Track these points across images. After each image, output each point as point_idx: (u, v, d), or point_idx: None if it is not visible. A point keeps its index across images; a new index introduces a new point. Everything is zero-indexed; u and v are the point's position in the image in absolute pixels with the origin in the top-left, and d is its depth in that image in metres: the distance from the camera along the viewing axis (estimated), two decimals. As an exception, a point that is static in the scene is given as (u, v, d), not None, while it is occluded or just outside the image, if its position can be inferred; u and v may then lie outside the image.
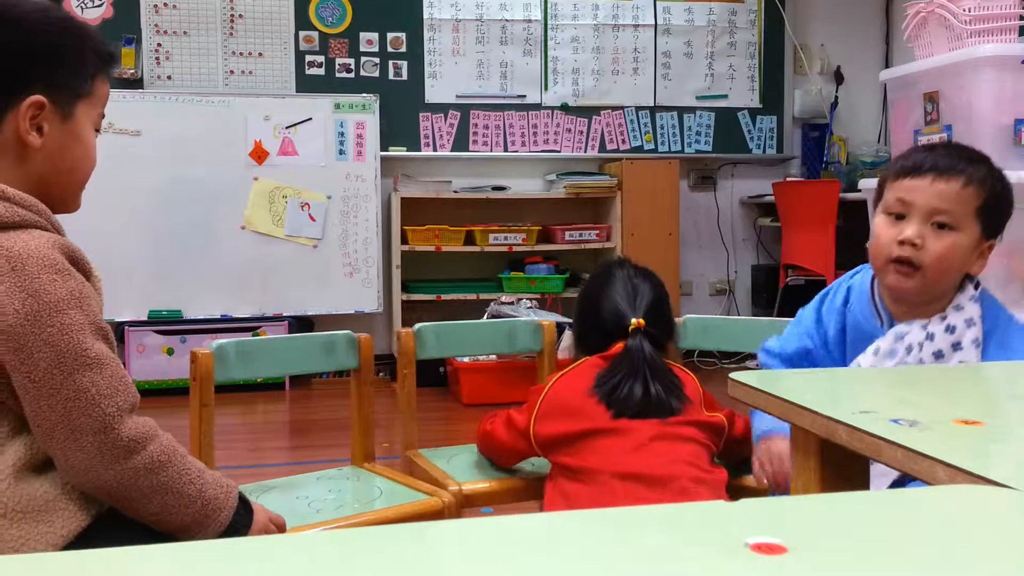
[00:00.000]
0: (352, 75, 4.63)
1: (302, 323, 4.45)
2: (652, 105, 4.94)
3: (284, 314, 4.40)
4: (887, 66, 4.86)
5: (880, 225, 1.43)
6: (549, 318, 2.13)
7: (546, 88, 4.84)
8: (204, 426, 1.57)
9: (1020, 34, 2.99)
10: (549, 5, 4.82)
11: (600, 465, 1.50)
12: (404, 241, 4.49)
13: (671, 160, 4.70)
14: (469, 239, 4.55)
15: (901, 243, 1.38)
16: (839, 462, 0.96)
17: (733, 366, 4.69)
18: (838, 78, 5.15)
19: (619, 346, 1.61)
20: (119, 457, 1.02)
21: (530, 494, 1.70)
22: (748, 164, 5.11)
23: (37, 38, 1.10)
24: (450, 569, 0.48)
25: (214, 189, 4.33)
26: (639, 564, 0.49)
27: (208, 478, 1.10)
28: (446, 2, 4.71)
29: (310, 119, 4.44)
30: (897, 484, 1.22)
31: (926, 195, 1.36)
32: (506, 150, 4.81)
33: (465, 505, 1.64)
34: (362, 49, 4.65)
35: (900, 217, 1.39)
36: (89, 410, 1.00)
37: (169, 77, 4.48)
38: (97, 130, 1.18)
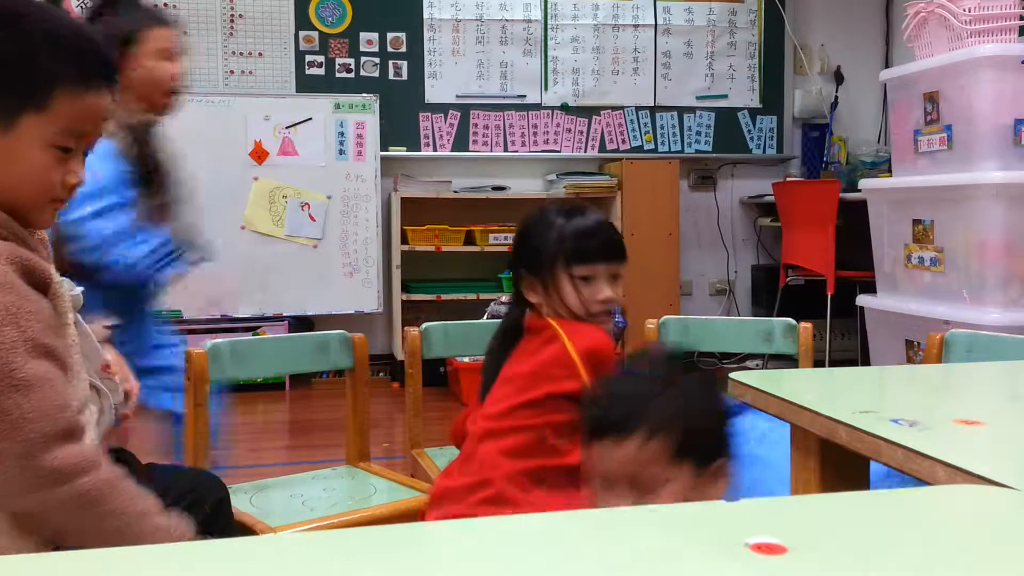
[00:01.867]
0: (352, 75, 4.63)
1: (302, 323, 4.45)
2: (652, 105, 4.94)
3: (284, 314, 4.40)
4: (887, 66, 4.86)
5: None
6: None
7: (546, 88, 4.84)
8: (199, 426, 1.57)
9: (1020, 34, 2.99)
10: (549, 5, 4.82)
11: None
12: (404, 241, 4.49)
13: (671, 160, 4.70)
14: (469, 239, 4.55)
15: None
16: (839, 462, 0.96)
17: (733, 366, 4.69)
18: (838, 78, 5.15)
19: None
20: (41, 486, 0.95)
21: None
22: (748, 164, 5.11)
23: None
24: (450, 569, 0.48)
25: (214, 189, 4.32)
26: (639, 564, 0.49)
27: (154, 523, 1.02)
28: (446, 2, 4.71)
29: (310, 119, 4.44)
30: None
31: (609, 463, 1.14)
32: (506, 150, 4.81)
33: None
34: (362, 49, 4.65)
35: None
36: (11, 434, 0.94)
37: (169, 77, 4.48)
38: (65, 148, 1.06)
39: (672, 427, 1.07)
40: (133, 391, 1.30)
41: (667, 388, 1.10)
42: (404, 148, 4.68)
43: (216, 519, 1.30)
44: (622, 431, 1.08)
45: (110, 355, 1.30)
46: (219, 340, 1.66)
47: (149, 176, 2.04)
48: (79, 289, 1.18)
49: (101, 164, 1.88)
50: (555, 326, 1.45)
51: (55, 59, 1.04)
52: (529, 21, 4.80)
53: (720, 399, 1.15)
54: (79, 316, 1.18)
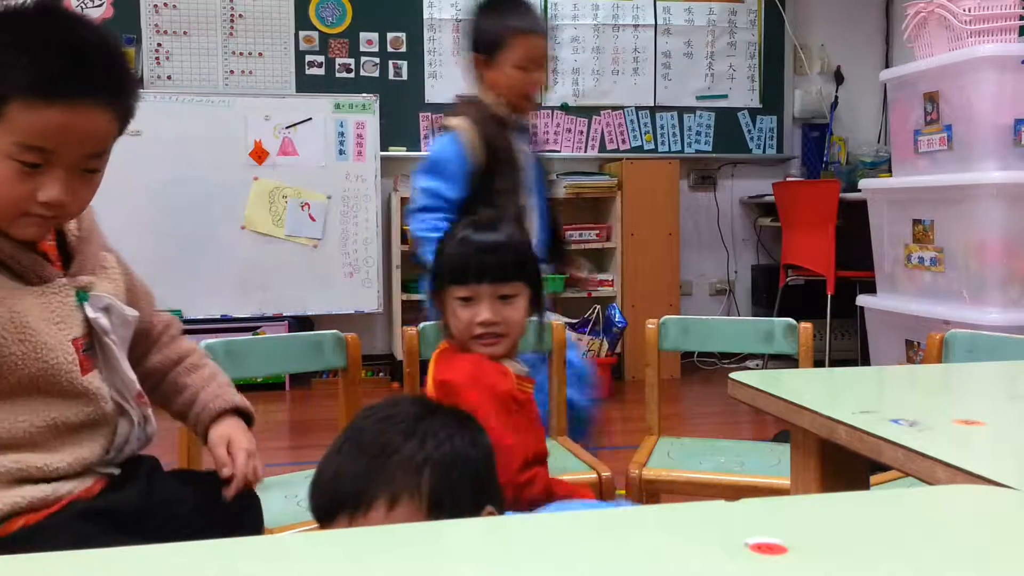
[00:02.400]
0: (352, 75, 4.63)
1: (302, 323, 4.45)
2: (652, 105, 4.94)
3: (284, 314, 4.40)
4: (887, 66, 4.86)
5: None
6: (550, 318, 2.13)
7: (546, 88, 4.84)
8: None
9: (1020, 34, 2.99)
10: (549, 5, 4.81)
11: None
12: (404, 241, 4.48)
13: (671, 160, 4.70)
14: (469, 239, 4.54)
15: None
16: (839, 462, 0.96)
17: (733, 366, 4.69)
18: (838, 78, 5.15)
19: None
20: None
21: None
22: (748, 164, 5.11)
23: None
24: (450, 569, 0.48)
25: (214, 189, 4.33)
26: (639, 564, 0.49)
27: None
28: (446, 2, 4.71)
29: (310, 119, 4.44)
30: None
31: None
32: (506, 150, 4.80)
33: None
34: (362, 49, 4.65)
35: None
36: None
37: (169, 77, 4.48)
38: (34, 164, 1.04)
39: (418, 484, 0.91)
40: (236, 473, 1.23)
41: (407, 440, 0.93)
42: (404, 148, 4.68)
43: (246, 516, 1.29)
44: (358, 505, 0.90)
45: (239, 441, 1.25)
46: (214, 340, 1.66)
47: (490, 170, 2.10)
48: (98, 313, 1.18)
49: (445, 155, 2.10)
50: (434, 355, 1.45)
51: (11, 67, 1.00)
52: (529, 21, 4.79)
53: (475, 439, 0.98)
54: (111, 339, 1.18)
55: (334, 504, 0.92)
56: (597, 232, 4.64)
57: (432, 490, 0.91)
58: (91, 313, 1.17)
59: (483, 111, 2.14)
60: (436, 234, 2.01)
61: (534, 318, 1.51)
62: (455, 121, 2.15)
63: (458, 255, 1.42)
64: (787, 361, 2.40)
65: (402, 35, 4.68)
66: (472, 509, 0.93)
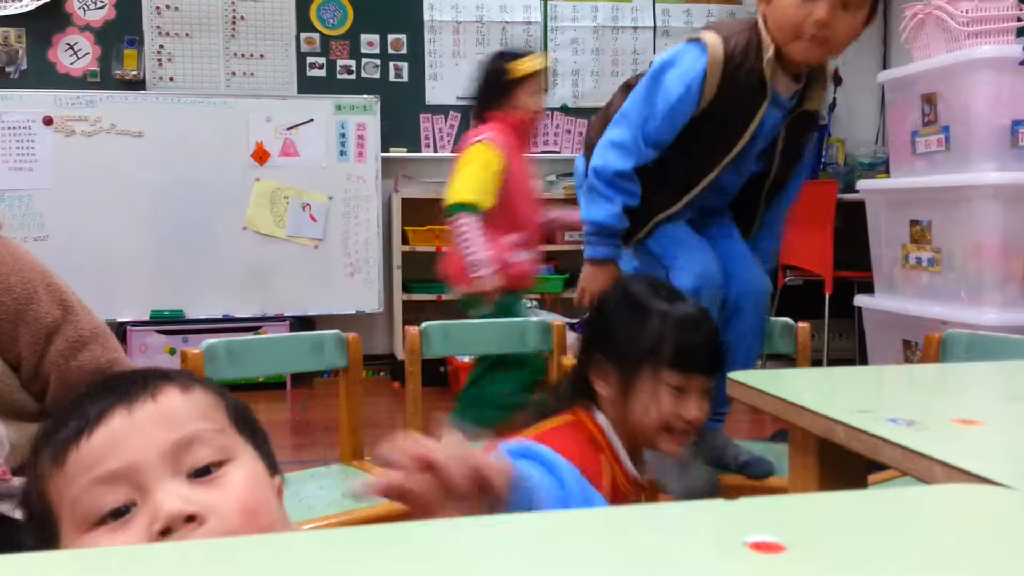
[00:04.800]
0: (353, 76, 4.64)
1: (303, 323, 4.45)
2: (652, 106, 4.93)
3: (285, 314, 4.40)
4: (885, 67, 4.86)
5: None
6: (549, 318, 2.14)
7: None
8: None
9: (1017, 36, 2.99)
10: (549, 7, 4.82)
11: None
12: (405, 241, 4.49)
13: (671, 161, 4.69)
14: (469, 240, 4.54)
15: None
16: (837, 461, 0.97)
17: (733, 367, 4.69)
18: (836, 79, 5.14)
19: None
20: None
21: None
22: (748, 165, 5.10)
23: None
24: (449, 569, 0.49)
25: (216, 190, 4.34)
26: (638, 564, 0.49)
27: None
28: (446, 4, 4.72)
29: (311, 120, 4.44)
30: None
31: None
32: (506, 151, 4.81)
33: None
34: (363, 51, 4.65)
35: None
36: None
37: (171, 79, 4.49)
38: None
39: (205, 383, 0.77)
40: None
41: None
42: (405, 149, 4.68)
43: None
44: (140, 392, 0.72)
45: None
46: (215, 340, 1.66)
47: (719, 116, 1.71)
48: None
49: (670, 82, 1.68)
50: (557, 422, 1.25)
51: None
52: (529, 23, 4.80)
53: None
54: None
55: (105, 403, 0.70)
56: (597, 233, 4.63)
57: (228, 401, 0.75)
58: None
59: (750, 32, 1.66)
60: (620, 198, 1.72)
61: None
62: (705, 32, 1.70)
63: (685, 339, 1.24)
64: (785, 361, 2.41)
65: (403, 37, 4.68)
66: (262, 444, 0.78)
